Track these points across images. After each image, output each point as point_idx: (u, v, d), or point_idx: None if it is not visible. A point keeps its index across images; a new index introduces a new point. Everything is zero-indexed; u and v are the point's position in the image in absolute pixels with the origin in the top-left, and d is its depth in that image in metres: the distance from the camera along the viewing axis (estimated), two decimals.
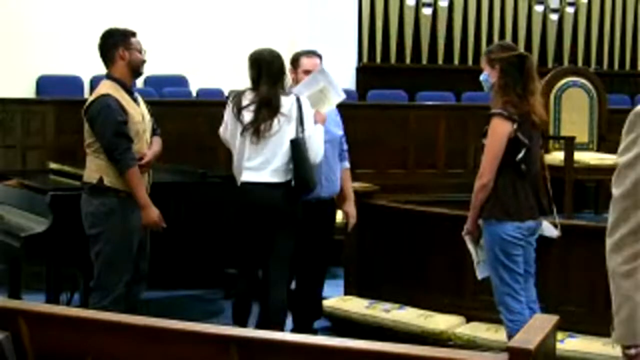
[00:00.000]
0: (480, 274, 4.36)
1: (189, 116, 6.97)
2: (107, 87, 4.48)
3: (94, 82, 7.72)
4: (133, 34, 4.56)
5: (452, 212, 5.35)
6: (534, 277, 4.33)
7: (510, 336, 4.22)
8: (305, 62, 4.86)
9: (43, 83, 8.11)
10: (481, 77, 4.35)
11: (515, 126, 4.09)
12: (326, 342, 2.42)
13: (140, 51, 4.54)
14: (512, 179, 4.14)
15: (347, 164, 5.06)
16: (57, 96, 7.36)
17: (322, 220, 4.86)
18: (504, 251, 4.15)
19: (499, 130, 4.10)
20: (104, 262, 4.43)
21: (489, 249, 4.21)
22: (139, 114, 4.50)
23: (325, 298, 5.56)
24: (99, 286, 4.46)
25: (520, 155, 4.11)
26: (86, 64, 7.80)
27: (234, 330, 2.56)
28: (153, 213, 4.45)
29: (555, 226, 4.45)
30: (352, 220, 5.04)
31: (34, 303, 2.94)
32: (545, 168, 4.41)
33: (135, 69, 4.54)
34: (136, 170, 4.38)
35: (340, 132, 4.97)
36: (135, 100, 4.55)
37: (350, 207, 5.03)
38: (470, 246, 4.35)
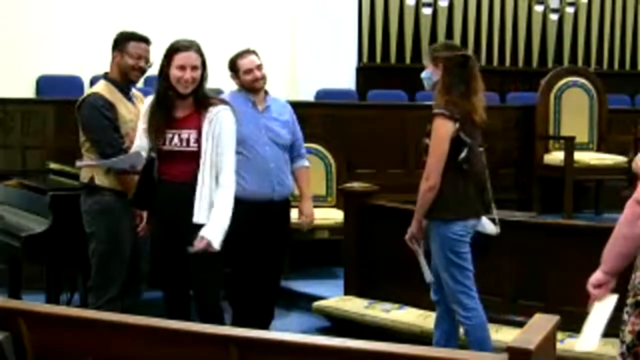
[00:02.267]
0: (428, 277, 4.35)
1: None
2: (99, 86, 4.56)
3: (94, 82, 7.69)
4: (138, 39, 4.55)
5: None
6: (473, 274, 4.36)
7: (466, 333, 4.31)
8: (242, 63, 4.88)
9: (43, 83, 8.10)
10: (422, 75, 4.36)
11: (457, 125, 4.11)
12: (326, 342, 2.42)
13: (135, 57, 4.51)
14: (455, 178, 4.15)
15: (306, 163, 5.14)
16: (57, 96, 7.35)
17: (276, 222, 4.89)
18: (453, 250, 4.17)
19: (442, 130, 4.12)
20: (99, 261, 4.45)
21: (438, 249, 4.21)
22: (132, 114, 4.51)
23: (323, 298, 5.57)
24: (95, 286, 4.47)
25: (462, 155, 4.13)
26: (86, 64, 7.79)
27: (234, 330, 2.56)
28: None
29: (494, 222, 4.44)
30: (306, 219, 5.09)
31: (34, 303, 2.94)
32: (485, 166, 4.41)
33: (124, 75, 4.54)
34: None
35: (289, 135, 4.98)
36: (130, 99, 4.56)
37: (306, 205, 5.09)
38: (418, 249, 4.34)
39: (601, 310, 2.88)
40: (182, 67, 4.04)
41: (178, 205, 4.02)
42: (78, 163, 4.44)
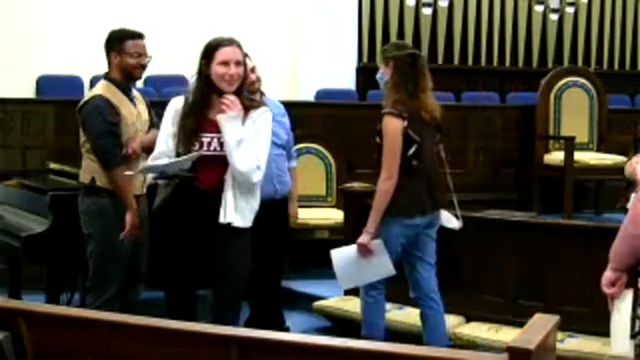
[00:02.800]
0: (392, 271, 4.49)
1: None
2: (101, 88, 4.51)
3: (94, 82, 7.70)
4: (133, 36, 4.51)
5: (452, 212, 5.35)
6: (434, 268, 4.51)
7: (362, 309, 4.59)
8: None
9: (43, 83, 8.10)
10: (377, 76, 4.49)
11: (405, 123, 4.23)
12: (326, 342, 2.42)
13: (134, 55, 4.47)
14: (404, 175, 4.26)
15: (294, 163, 5.24)
16: (57, 96, 7.35)
17: (278, 220, 5.00)
18: (395, 245, 4.34)
19: (392, 128, 4.25)
20: (96, 262, 4.44)
21: (387, 243, 4.34)
22: (134, 115, 4.49)
23: (323, 298, 5.57)
24: (93, 286, 4.47)
25: (411, 152, 4.25)
26: (86, 64, 7.78)
27: (234, 330, 2.55)
28: (134, 218, 4.39)
29: (457, 217, 4.56)
30: (293, 219, 5.29)
31: (34, 303, 2.94)
32: (443, 162, 4.53)
33: (127, 74, 4.52)
34: (121, 169, 4.34)
35: (286, 136, 5.07)
36: (132, 100, 4.54)
37: (293, 206, 5.26)
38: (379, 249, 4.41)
39: (622, 307, 2.87)
40: (225, 63, 3.86)
41: (215, 216, 3.84)
42: (141, 166, 4.16)
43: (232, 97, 3.87)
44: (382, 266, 4.39)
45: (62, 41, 8.04)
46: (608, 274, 2.91)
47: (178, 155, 3.89)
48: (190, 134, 3.89)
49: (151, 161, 3.98)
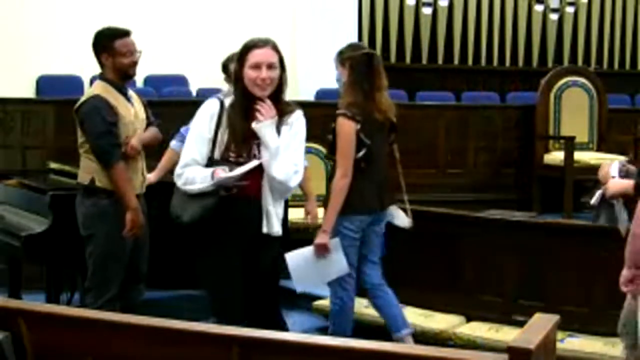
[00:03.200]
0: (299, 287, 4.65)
1: (189, 116, 6.92)
2: (97, 88, 4.50)
3: (94, 82, 7.73)
4: (121, 35, 4.47)
5: (452, 211, 5.35)
6: (377, 264, 4.65)
7: (330, 314, 4.67)
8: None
9: (43, 83, 8.11)
10: (335, 77, 4.65)
11: (358, 126, 4.36)
12: (326, 342, 2.42)
13: (126, 54, 4.45)
14: (353, 175, 4.38)
15: (306, 163, 5.19)
16: (57, 96, 7.35)
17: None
18: (342, 243, 4.44)
19: (346, 129, 4.37)
20: (97, 263, 4.43)
21: (338, 240, 4.46)
22: (131, 114, 4.49)
23: (323, 298, 5.57)
24: (92, 287, 4.46)
25: (360, 154, 4.38)
26: (86, 64, 7.73)
27: (235, 330, 2.55)
28: (135, 216, 4.37)
29: (406, 213, 4.70)
30: (313, 219, 5.32)
31: (34, 303, 2.93)
32: (396, 162, 4.69)
33: (122, 74, 4.50)
34: (121, 169, 4.35)
35: None
36: (128, 99, 4.54)
37: (311, 205, 5.33)
38: (334, 246, 4.49)
39: None
40: (256, 66, 3.63)
41: (257, 226, 3.71)
42: (216, 179, 3.67)
43: (266, 103, 3.67)
44: (338, 264, 4.48)
45: (62, 41, 8.04)
46: (625, 273, 2.99)
47: (211, 161, 3.69)
48: (240, 141, 3.69)
49: (187, 168, 3.72)
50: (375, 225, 4.59)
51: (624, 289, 3.01)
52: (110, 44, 4.45)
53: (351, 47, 4.65)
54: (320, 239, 4.41)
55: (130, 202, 4.37)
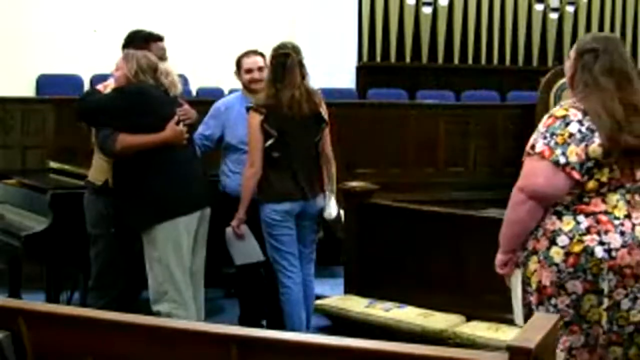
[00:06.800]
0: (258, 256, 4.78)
1: None
2: None
3: (94, 82, 7.72)
4: (156, 39, 4.60)
5: (452, 210, 5.35)
6: (309, 257, 4.78)
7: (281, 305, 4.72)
8: (245, 62, 5.06)
9: (43, 82, 8.11)
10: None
11: (262, 117, 4.53)
12: (326, 342, 2.41)
13: (160, 58, 4.48)
14: (266, 165, 4.57)
15: None
16: (57, 95, 7.35)
17: None
18: (268, 232, 4.62)
19: (251, 122, 4.57)
20: (104, 263, 4.43)
21: (265, 228, 4.63)
22: None
23: (323, 297, 5.57)
24: (97, 287, 4.47)
25: (268, 144, 4.54)
26: (86, 64, 7.80)
27: (234, 330, 2.55)
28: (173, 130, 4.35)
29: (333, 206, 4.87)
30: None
31: (34, 303, 2.93)
32: (327, 155, 4.91)
33: None
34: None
35: None
36: None
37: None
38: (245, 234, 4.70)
39: (516, 284, 3.23)
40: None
41: None
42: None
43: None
44: (252, 250, 4.71)
45: (62, 41, 8.05)
46: (499, 257, 3.27)
47: None
48: None
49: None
50: (306, 220, 4.70)
51: (500, 271, 3.26)
52: (145, 46, 4.50)
53: (276, 47, 4.82)
54: (233, 222, 4.65)
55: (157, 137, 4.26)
